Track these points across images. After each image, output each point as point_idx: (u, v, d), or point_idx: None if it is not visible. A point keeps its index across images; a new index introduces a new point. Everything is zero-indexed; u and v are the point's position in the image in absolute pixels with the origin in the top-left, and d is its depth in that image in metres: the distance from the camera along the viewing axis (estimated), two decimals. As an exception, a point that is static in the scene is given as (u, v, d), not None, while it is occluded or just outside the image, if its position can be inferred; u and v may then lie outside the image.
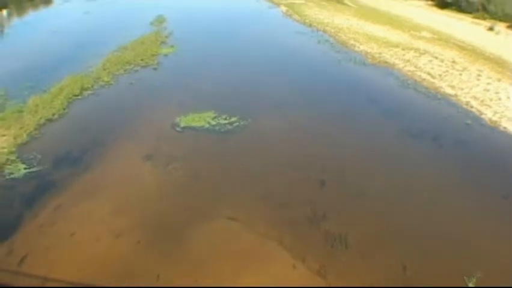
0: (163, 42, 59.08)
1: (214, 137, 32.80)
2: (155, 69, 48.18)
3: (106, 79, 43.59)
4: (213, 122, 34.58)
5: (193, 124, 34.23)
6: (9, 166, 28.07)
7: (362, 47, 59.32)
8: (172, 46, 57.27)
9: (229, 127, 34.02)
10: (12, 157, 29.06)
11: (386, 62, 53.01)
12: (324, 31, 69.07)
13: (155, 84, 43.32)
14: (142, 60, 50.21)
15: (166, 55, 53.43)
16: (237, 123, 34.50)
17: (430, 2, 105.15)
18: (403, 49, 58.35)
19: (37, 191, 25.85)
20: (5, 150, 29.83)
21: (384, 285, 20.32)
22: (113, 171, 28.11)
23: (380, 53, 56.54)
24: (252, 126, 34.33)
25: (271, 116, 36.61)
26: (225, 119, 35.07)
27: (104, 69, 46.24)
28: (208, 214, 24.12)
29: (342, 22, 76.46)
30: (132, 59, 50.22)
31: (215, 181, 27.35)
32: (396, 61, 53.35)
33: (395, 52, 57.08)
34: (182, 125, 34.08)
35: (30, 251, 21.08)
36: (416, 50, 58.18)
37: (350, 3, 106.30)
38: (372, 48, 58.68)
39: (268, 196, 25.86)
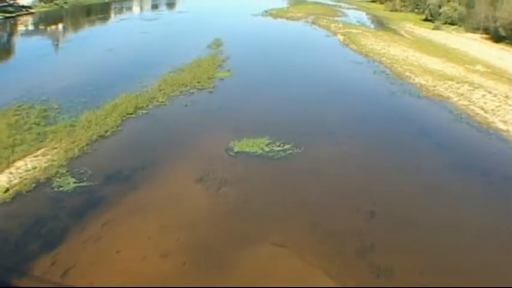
0: (219, 66, 60.74)
1: (267, 163, 33.20)
2: (211, 92, 49.35)
3: (161, 99, 44.97)
4: (267, 149, 35.02)
5: (247, 149, 34.74)
6: (58, 179, 29.03)
7: (417, 79, 59.81)
8: (228, 70, 58.69)
9: (283, 154, 34.38)
10: (62, 170, 30.07)
11: (440, 95, 53.14)
12: (380, 62, 70.06)
13: (211, 107, 44.31)
14: (198, 82, 51.63)
15: (222, 79, 54.75)
16: (291, 151, 34.82)
17: (485, 36, 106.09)
18: (457, 82, 58.40)
19: (85, 205, 26.58)
20: (55, 163, 30.95)
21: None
22: (163, 191, 28.71)
23: (434, 86, 56.79)
24: (305, 154, 34.60)
25: (324, 145, 36.98)
26: (279, 145, 35.45)
27: (160, 90, 47.75)
28: (256, 239, 24.33)
29: (398, 53, 77.53)
30: (188, 81, 51.69)
31: (265, 207, 27.60)
32: (451, 94, 53.48)
33: (450, 85, 57.20)
34: (235, 149, 34.64)
35: (74, 265, 21.59)
36: (471, 83, 58.14)
37: (406, 35, 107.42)
38: (427, 81, 59.06)
39: (317, 224, 25.93)
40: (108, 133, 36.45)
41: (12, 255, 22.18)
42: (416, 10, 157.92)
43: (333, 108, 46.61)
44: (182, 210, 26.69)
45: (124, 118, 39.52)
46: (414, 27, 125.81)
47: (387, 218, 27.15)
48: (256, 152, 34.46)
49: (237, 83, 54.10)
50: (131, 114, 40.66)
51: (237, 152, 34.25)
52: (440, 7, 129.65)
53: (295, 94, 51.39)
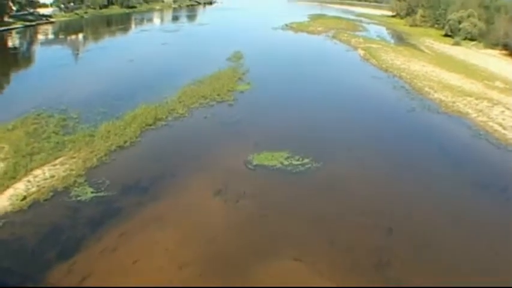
0: (239, 79, 61.38)
1: (286, 177, 33.35)
2: (230, 105, 49.77)
3: (180, 111, 45.46)
4: (286, 162, 35.22)
5: (266, 163, 34.95)
6: (76, 188, 29.44)
7: (436, 95, 60.17)
8: (248, 83, 59.25)
9: (301, 168, 34.56)
10: (80, 180, 30.49)
11: (459, 111, 53.33)
12: (400, 77, 70.70)
13: (230, 120, 44.72)
14: (218, 95, 52.14)
15: (242, 92, 55.25)
16: (309, 165, 34.99)
17: (504, 52, 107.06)
18: (476, 99, 58.66)
19: (102, 215, 26.96)
20: (74, 172, 31.39)
21: None
22: (181, 203, 29.02)
23: (453, 102, 57.04)
24: (324, 169, 34.75)
25: (343, 160, 37.19)
26: (298, 160, 35.66)
27: (180, 101, 48.32)
28: (274, 253, 24.51)
29: (418, 69, 78.10)
30: (208, 93, 52.22)
31: (283, 221, 27.76)
32: (469, 111, 53.69)
33: (469, 101, 57.46)
34: (254, 162, 34.86)
35: (90, 273, 21.94)
36: (489, 100, 58.39)
37: (426, 50, 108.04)
38: (446, 97, 59.32)
39: (334, 240, 26.14)
40: (127, 144, 36.87)
41: (29, 262, 22.63)
42: (436, 25, 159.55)
43: (353, 123, 46.92)
44: (200, 222, 26.93)
45: (143, 129, 39.98)
46: (434, 42, 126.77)
47: (405, 235, 27.30)
48: (275, 165, 34.67)
49: (257, 96, 54.54)
50: (151, 125, 41.12)
51: (255, 165, 34.48)
52: (460, 23, 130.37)
53: (315, 108, 51.86)
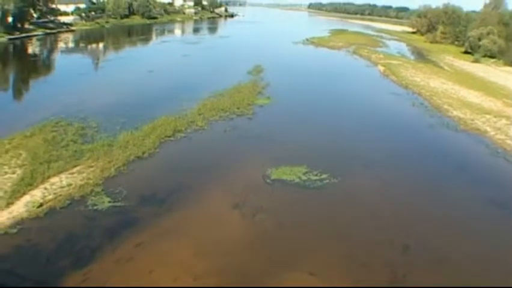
0: (259, 93, 61.79)
1: (304, 192, 33.33)
2: (250, 119, 50.09)
3: (200, 124, 45.87)
4: (304, 177, 35.20)
5: (284, 177, 34.98)
6: (93, 197, 29.73)
7: (455, 113, 60.00)
8: (268, 97, 59.61)
9: (319, 183, 34.50)
10: (98, 189, 30.81)
11: (478, 129, 53.07)
12: (419, 94, 70.73)
13: (250, 134, 45.00)
14: (237, 108, 52.56)
15: (261, 106, 55.58)
16: (328, 181, 34.91)
17: None
18: (495, 116, 58.51)
19: (119, 225, 27.15)
20: (91, 181, 31.74)
21: None
22: (198, 215, 29.15)
23: (472, 119, 56.88)
24: (342, 184, 34.72)
25: (361, 176, 37.13)
26: (316, 175, 35.60)
27: (199, 114, 48.80)
28: (290, 267, 24.50)
29: (437, 86, 78.24)
30: (228, 106, 52.71)
31: (300, 236, 27.80)
32: (488, 128, 53.49)
33: (487, 119, 57.30)
34: (273, 177, 34.92)
35: (105, 282, 22.10)
36: (508, 118, 58.16)
37: (445, 67, 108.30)
38: (465, 114, 59.18)
39: (350, 255, 26.05)
40: (145, 154, 37.21)
41: (43, 270, 22.88)
42: (456, 42, 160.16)
43: (372, 140, 46.89)
44: (217, 235, 26.99)
45: (162, 140, 40.36)
46: (454, 59, 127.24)
47: (422, 251, 27.05)
48: (293, 180, 34.67)
49: (277, 111, 54.89)
50: (170, 137, 41.50)
51: (274, 180, 34.52)
52: (479, 40, 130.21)
53: (335, 124, 52.29)
